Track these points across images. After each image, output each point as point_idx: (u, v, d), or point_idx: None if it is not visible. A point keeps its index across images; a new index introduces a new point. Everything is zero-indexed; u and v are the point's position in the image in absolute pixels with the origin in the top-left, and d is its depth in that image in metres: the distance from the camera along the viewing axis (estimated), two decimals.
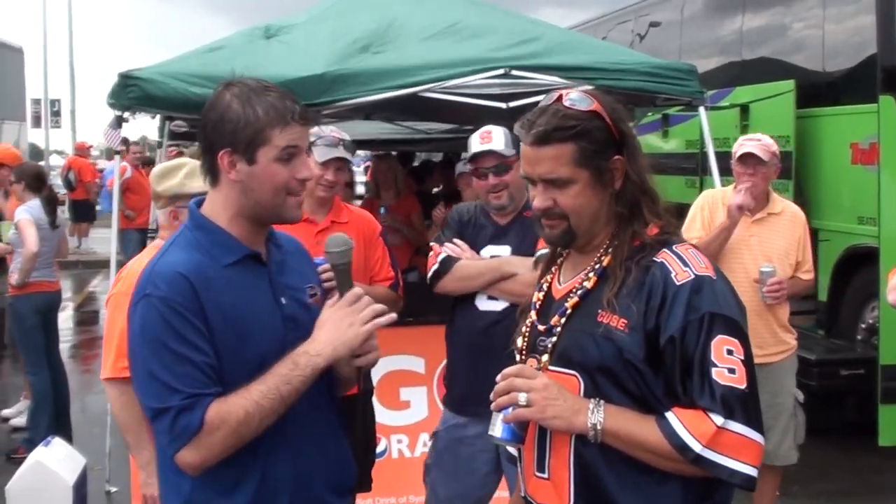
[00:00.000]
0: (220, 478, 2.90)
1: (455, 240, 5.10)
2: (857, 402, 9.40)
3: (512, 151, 5.01)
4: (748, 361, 2.60)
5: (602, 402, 2.65)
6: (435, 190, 12.85)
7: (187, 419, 2.76)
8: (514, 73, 7.60)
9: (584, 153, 2.72)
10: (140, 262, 4.44)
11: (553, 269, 3.01)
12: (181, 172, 4.50)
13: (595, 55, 8.23)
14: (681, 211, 12.80)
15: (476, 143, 5.04)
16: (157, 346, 2.80)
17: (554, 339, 2.79)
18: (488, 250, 5.09)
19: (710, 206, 6.65)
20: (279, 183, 2.93)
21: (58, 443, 6.30)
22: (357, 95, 7.32)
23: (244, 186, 2.93)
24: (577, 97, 2.76)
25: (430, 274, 5.11)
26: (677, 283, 2.62)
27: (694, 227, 6.58)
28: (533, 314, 2.94)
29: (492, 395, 2.76)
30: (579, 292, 2.79)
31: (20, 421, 9.80)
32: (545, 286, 2.98)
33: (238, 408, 2.78)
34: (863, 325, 9.81)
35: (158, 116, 8.31)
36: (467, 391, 4.96)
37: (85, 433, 9.15)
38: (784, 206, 6.63)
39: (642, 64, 8.24)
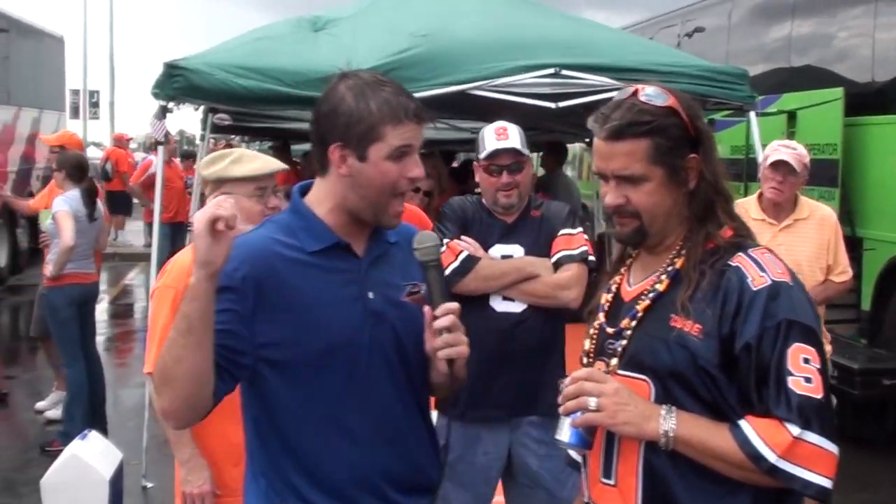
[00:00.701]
0: (276, 467, 2.91)
1: (465, 237, 4.93)
2: None
3: (527, 150, 4.96)
4: (824, 370, 2.53)
5: (674, 408, 2.58)
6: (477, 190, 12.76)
7: None
8: (565, 72, 7.51)
9: (660, 150, 2.65)
10: (185, 255, 4.38)
11: (622, 269, 2.93)
12: (228, 159, 4.43)
13: (646, 56, 8.14)
14: None
15: (492, 139, 4.90)
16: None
17: (624, 342, 2.73)
18: (498, 249, 4.95)
19: None
20: (389, 182, 2.88)
21: (94, 436, 6.23)
22: None
23: (353, 182, 2.89)
24: (653, 92, 2.69)
25: (448, 272, 4.77)
26: (754, 289, 2.55)
27: None
28: (601, 316, 2.87)
29: (560, 399, 2.69)
30: (651, 295, 2.72)
31: (55, 413, 9.76)
32: (613, 287, 2.91)
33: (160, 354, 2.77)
34: None
35: (201, 109, 8.26)
36: (477, 396, 4.79)
37: (119, 427, 9.13)
38: (812, 210, 6.52)
39: (694, 67, 8.14)
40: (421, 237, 3.00)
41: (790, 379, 2.47)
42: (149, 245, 16.72)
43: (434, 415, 5.08)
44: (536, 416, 4.85)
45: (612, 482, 2.73)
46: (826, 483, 2.48)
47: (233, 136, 15.54)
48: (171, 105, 7.68)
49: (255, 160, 4.43)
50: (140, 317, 15.91)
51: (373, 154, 2.84)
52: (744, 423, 2.51)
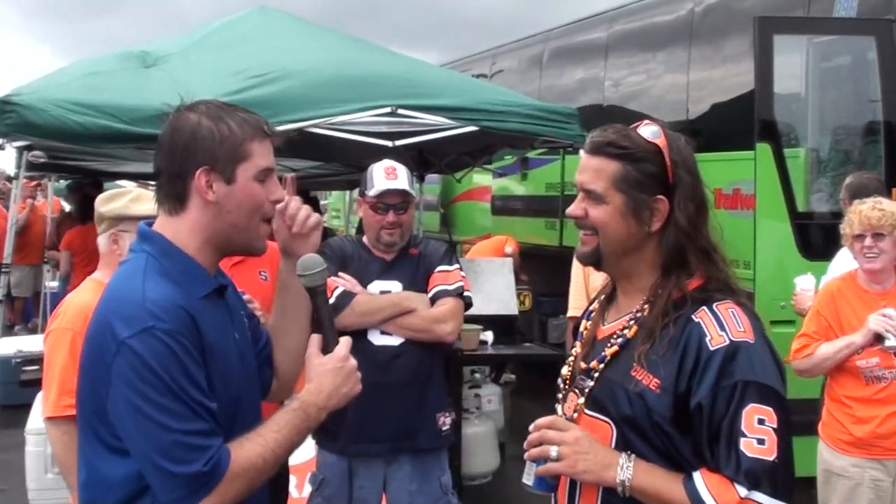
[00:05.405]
0: None
1: (342, 274, 4.99)
2: None
3: (413, 191, 5.07)
4: (781, 429, 2.56)
5: (633, 456, 2.63)
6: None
7: (212, 470, 2.54)
8: (401, 111, 7.59)
9: (626, 178, 2.70)
10: (80, 296, 4.28)
11: (599, 301, 3.01)
12: (127, 197, 4.40)
13: (479, 96, 8.28)
14: (537, 252, 12.94)
15: (381, 178, 4.98)
16: (169, 389, 2.51)
17: (591, 383, 2.78)
18: (377, 285, 5.04)
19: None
20: (257, 203, 2.77)
21: None
22: None
23: (220, 209, 2.75)
24: (650, 128, 2.75)
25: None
26: (711, 349, 2.58)
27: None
28: (579, 345, 2.95)
29: (525, 445, 2.73)
30: (619, 341, 2.77)
31: None
32: (592, 315, 2.99)
33: (255, 455, 2.62)
34: None
35: (13, 146, 8.01)
36: (355, 429, 4.85)
37: None
38: None
39: (525, 106, 8.33)
40: (305, 262, 2.92)
41: (743, 441, 2.51)
42: None
43: (314, 448, 5.10)
44: (413, 451, 4.92)
45: None
46: None
47: (51, 174, 15.01)
48: (2, 142, 7.45)
49: (151, 201, 4.32)
50: None
51: (241, 175, 2.74)
52: (697, 477, 2.57)
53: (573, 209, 2.79)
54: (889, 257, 5.25)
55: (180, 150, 2.75)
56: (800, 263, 7.84)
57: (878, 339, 5.11)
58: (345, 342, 2.89)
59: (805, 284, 6.34)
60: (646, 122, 2.78)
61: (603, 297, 3.00)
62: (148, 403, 2.50)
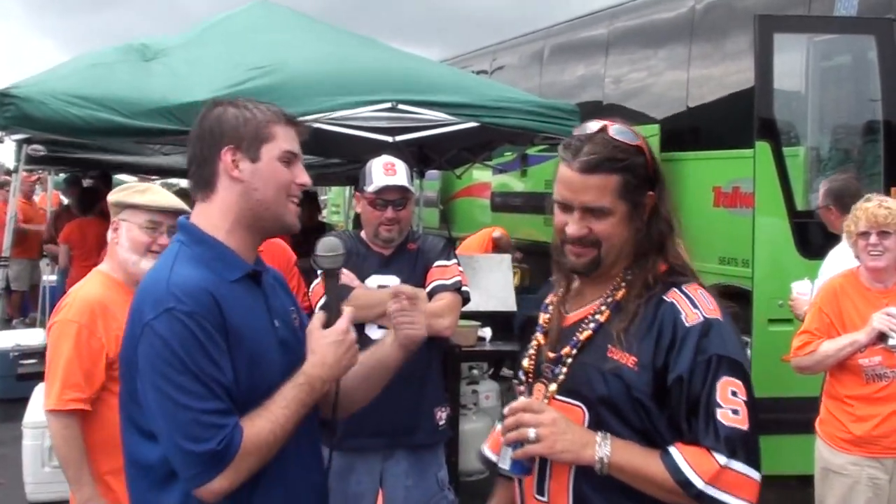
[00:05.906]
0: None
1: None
2: None
3: (412, 186, 5.07)
4: (750, 402, 2.65)
5: (609, 435, 2.66)
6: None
7: (225, 449, 2.61)
8: (401, 107, 7.60)
9: (627, 187, 2.73)
10: (86, 288, 4.27)
11: (558, 290, 3.00)
12: (134, 188, 4.41)
13: (480, 92, 8.30)
14: (536, 248, 12.97)
15: (380, 174, 4.97)
16: (187, 368, 2.60)
17: (564, 369, 2.80)
18: (374, 280, 5.02)
19: None
20: (282, 182, 2.84)
21: None
22: None
23: (246, 187, 2.83)
24: (623, 130, 2.77)
25: (322, 303, 4.89)
26: (687, 325, 2.66)
27: None
28: (540, 337, 2.95)
29: (500, 429, 2.77)
30: (592, 325, 2.80)
31: None
32: (550, 308, 2.99)
33: (267, 432, 2.68)
34: None
35: (12, 139, 8.01)
36: (352, 424, 4.83)
37: None
38: None
39: (526, 102, 8.35)
40: (328, 244, 3.00)
41: (719, 411, 2.59)
42: None
43: None
44: (410, 446, 4.94)
45: (545, 499, 2.82)
46: None
47: (49, 167, 15.03)
48: (1, 134, 7.44)
49: (157, 194, 4.37)
50: None
51: (265, 154, 2.82)
52: (674, 451, 2.62)
53: (577, 231, 2.75)
54: (893, 255, 5.25)
55: (207, 136, 2.88)
56: (798, 262, 7.83)
57: (882, 337, 5.11)
58: (346, 316, 2.96)
59: (801, 289, 6.35)
60: (609, 124, 2.78)
61: (561, 288, 3.00)
62: (167, 382, 2.60)
